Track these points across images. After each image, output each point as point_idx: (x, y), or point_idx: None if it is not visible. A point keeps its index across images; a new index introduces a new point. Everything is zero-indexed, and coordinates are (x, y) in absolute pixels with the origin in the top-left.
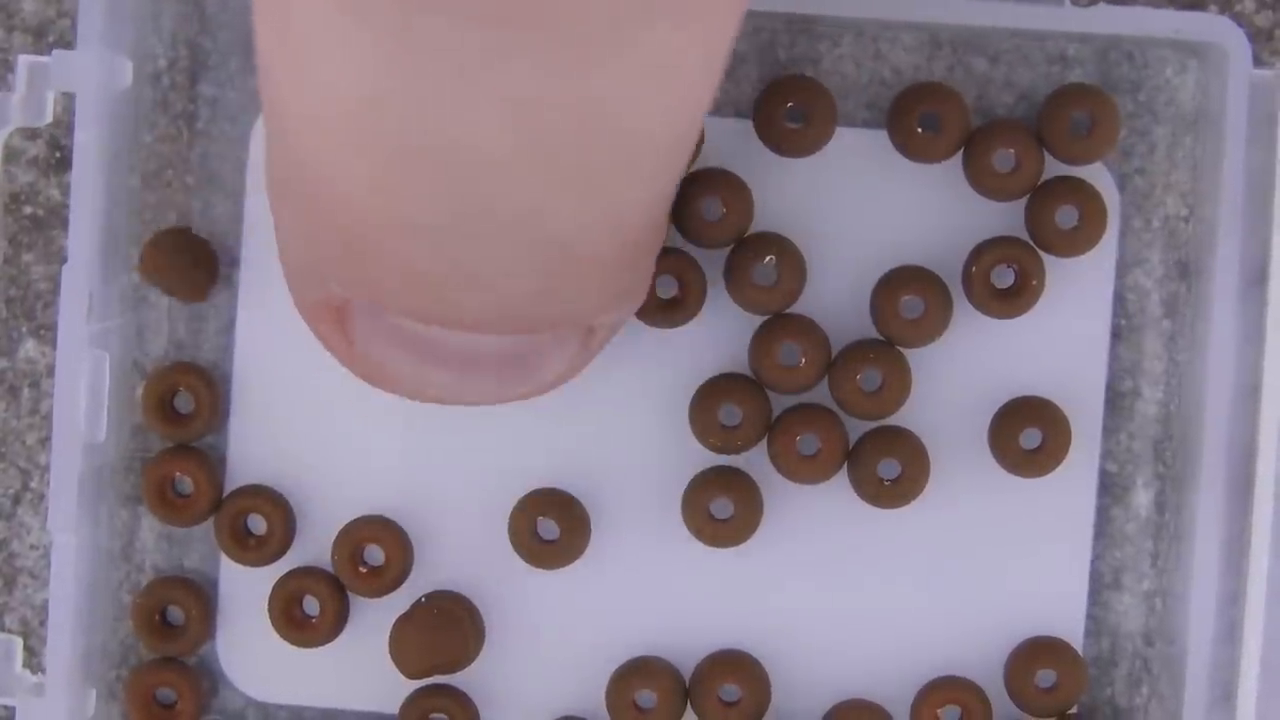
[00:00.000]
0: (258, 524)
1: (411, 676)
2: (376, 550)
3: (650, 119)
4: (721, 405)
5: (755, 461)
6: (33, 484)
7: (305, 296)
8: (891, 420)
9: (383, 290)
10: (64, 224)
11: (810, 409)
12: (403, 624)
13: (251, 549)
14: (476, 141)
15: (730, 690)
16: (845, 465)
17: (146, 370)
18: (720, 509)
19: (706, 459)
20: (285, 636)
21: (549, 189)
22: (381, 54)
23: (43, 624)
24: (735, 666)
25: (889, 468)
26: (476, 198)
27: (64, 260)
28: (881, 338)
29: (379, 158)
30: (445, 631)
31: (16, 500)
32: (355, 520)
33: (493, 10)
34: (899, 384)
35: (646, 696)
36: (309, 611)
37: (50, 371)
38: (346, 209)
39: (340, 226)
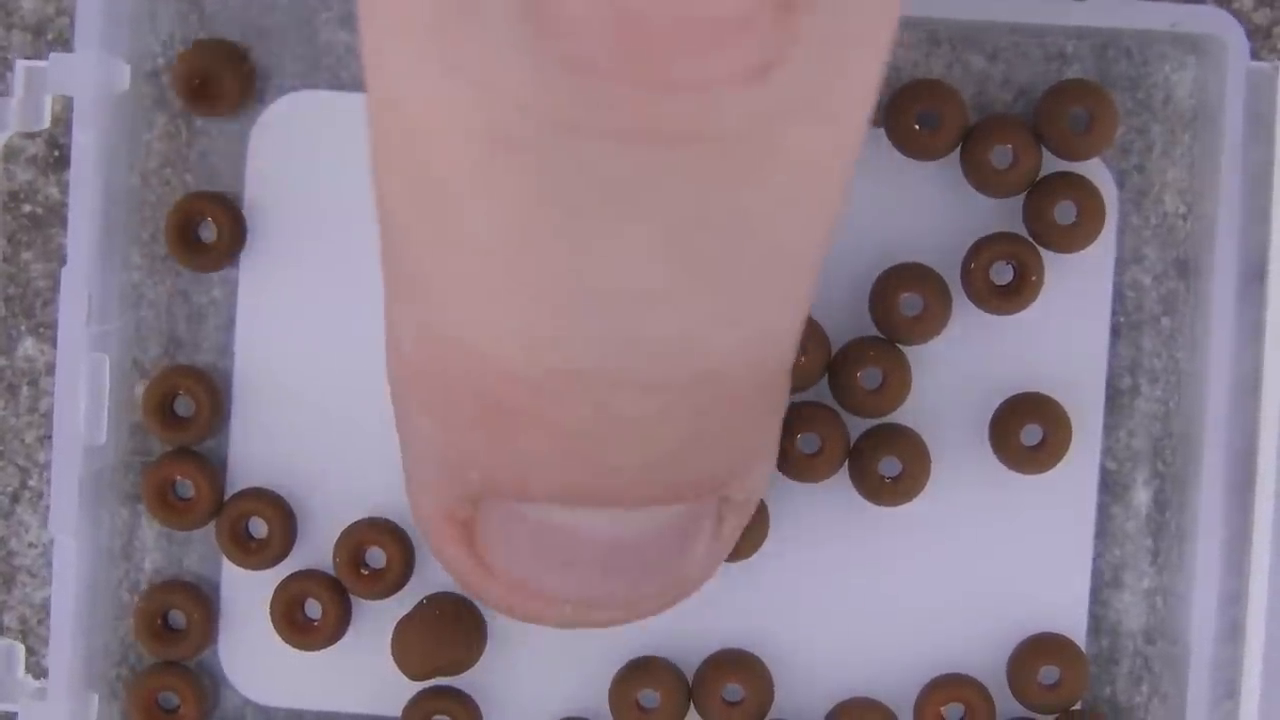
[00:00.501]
0: (259, 527)
1: (414, 678)
2: (378, 552)
3: (802, 228)
4: None
5: None
6: (31, 482)
7: (433, 514)
8: (891, 418)
9: (529, 465)
10: (63, 222)
11: (811, 407)
12: (405, 626)
13: (253, 552)
14: (631, 272)
15: (733, 690)
16: (846, 464)
17: (146, 368)
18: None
19: None
20: (287, 639)
21: (703, 315)
22: (529, 190)
23: (41, 623)
24: (738, 666)
25: (890, 465)
26: (631, 332)
27: (63, 259)
28: (881, 335)
29: (528, 307)
30: (448, 633)
31: (15, 498)
32: (356, 522)
33: (647, 126)
34: (899, 382)
35: (649, 696)
36: (311, 614)
37: (49, 370)
38: (491, 373)
39: (485, 398)
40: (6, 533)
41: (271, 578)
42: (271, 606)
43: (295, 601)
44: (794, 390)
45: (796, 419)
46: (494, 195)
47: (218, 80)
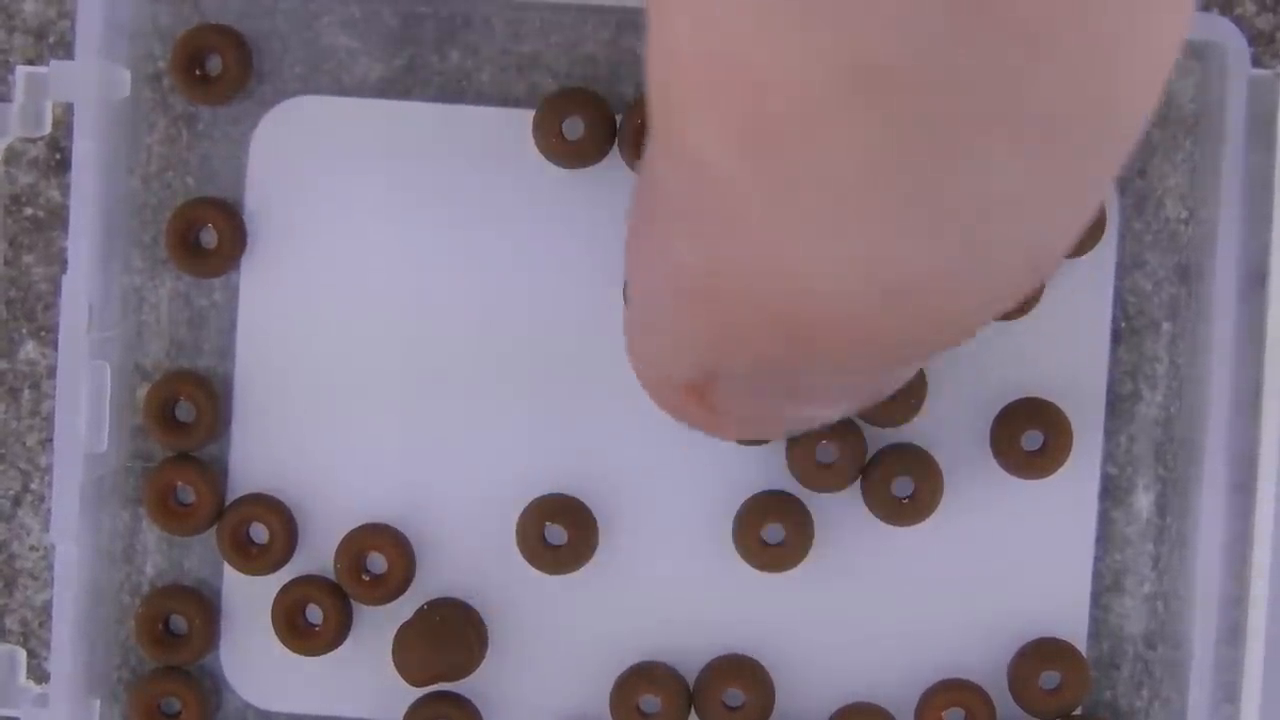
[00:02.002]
0: (260, 533)
1: (415, 684)
2: (379, 558)
3: (1131, 111)
4: None
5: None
6: (33, 485)
7: (666, 383)
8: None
9: (808, 361)
10: (64, 225)
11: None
12: (406, 632)
13: (254, 558)
14: (994, 182)
15: (734, 695)
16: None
17: (147, 371)
18: (772, 534)
19: (711, 463)
20: (288, 645)
21: (1052, 211)
22: (894, 114)
23: (43, 625)
24: (739, 671)
25: (903, 485)
26: (980, 243)
27: (64, 263)
28: None
29: (871, 234)
30: (448, 639)
31: (17, 502)
32: (357, 528)
33: (1024, 27)
34: (915, 390)
35: (650, 701)
36: (312, 620)
37: (50, 373)
38: (806, 299)
39: (784, 317)
40: (8, 536)
41: (273, 583)
42: (273, 612)
43: (296, 607)
44: None
45: (815, 430)
46: (849, 132)
47: (216, 65)
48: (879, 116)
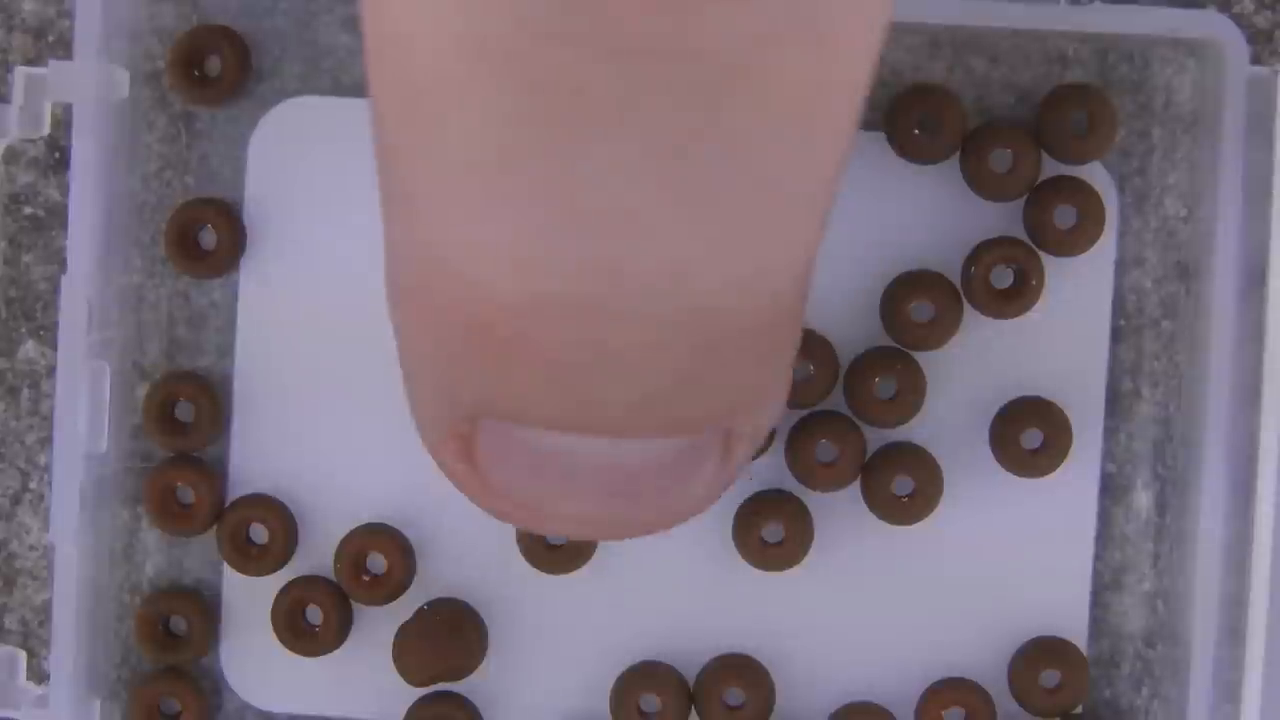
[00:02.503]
0: (259, 533)
1: (416, 685)
2: (379, 558)
3: (799, 157)
4: None
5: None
6: (32, 485)
7: (433, 428)
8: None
9: (521, 393)
10: (64, 225)
11: (829, 416)
12: (406, 632)
13: (254, 558)
14: (616, 194)
15: (735, 694)
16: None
17: (146, 371)
18: (772, 534)
19: None
20: (288, 646)
21: (692, 243)
22: (510, 102)
23: (42, 625)
24: (739, 671)
25: (903, 484)
26: (618, 259)
27: (63, 262)
28: (891, 343)
29: (512, 226)
30: (449, 639)
31: (16, 501)
32: (357, 528)
33: (627, 41)
34: (914, 389)
35: (650, 701)
36: (312, 620)
37: (50, 372)
38: (484, 297)
39: (476, 322)
40: (7, 535)
41: (272, 584)
42: (273, 612)
43: (296, 607)
44: (805, 405)
45: (815, 428)
46: (477, 106)
47: (214, 65)
48: (503, 94)
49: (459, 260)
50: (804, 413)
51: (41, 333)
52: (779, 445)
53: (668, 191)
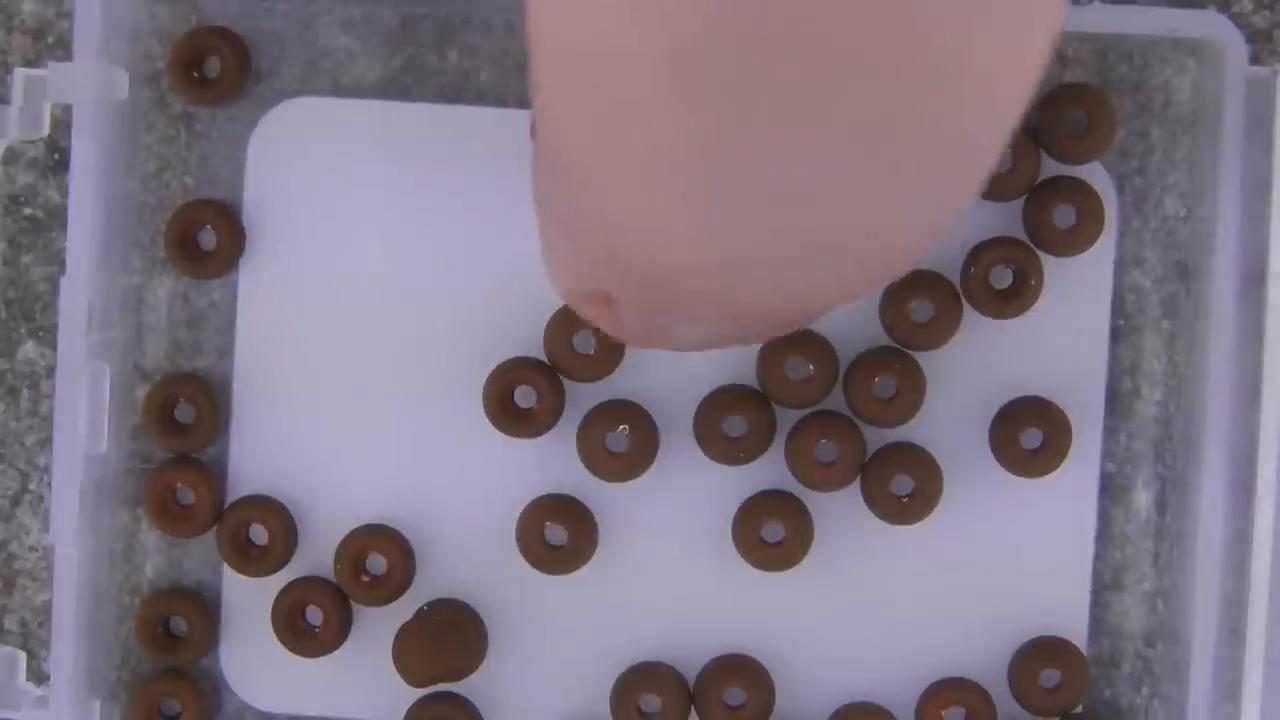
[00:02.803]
0: (259, 534)
1: (415, 685)
2: (378, 559)
3: (984, 126)
4: (725, 418)
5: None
6: (32, 485)
7: (574, 292)
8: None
9: (680, 315)
10: (63, 226)
11: (828, 416)
12: (406, 633)
13: (254, 559)
14: (818, 177)
15: (735, 694)
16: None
17: (146, 371)
18: (772, 533)
19: (710, 463)
20: (288, 646)
21: (889, 211)
22: (716, 104)
23: (42, 625)
24: (739, 671)
25: (903, 484)
26: (815, 230)
27: (63, 263)
28: (890, 343)
29: (710, 208)
30: (448, 639)
31: (15, 502)
32: (357, 529)
33: (829, 40)
34: (914, 389)
35: (650, 701)
36: (312, 621)
37: (49, 373)
38: (659, 260)
39: (644, 272)
40: (7, 536)
41: (272, 584)
42: (273, 613)
43: (296, 608)
44: (805, 405)
45: (814, 428)
46: (679, 113)
47: (214, 67)
48: (698, 101)
49: (642, 234)
50: (804, 413)
51: (41, 333)
52: (779, 445)
53: (864, 167)
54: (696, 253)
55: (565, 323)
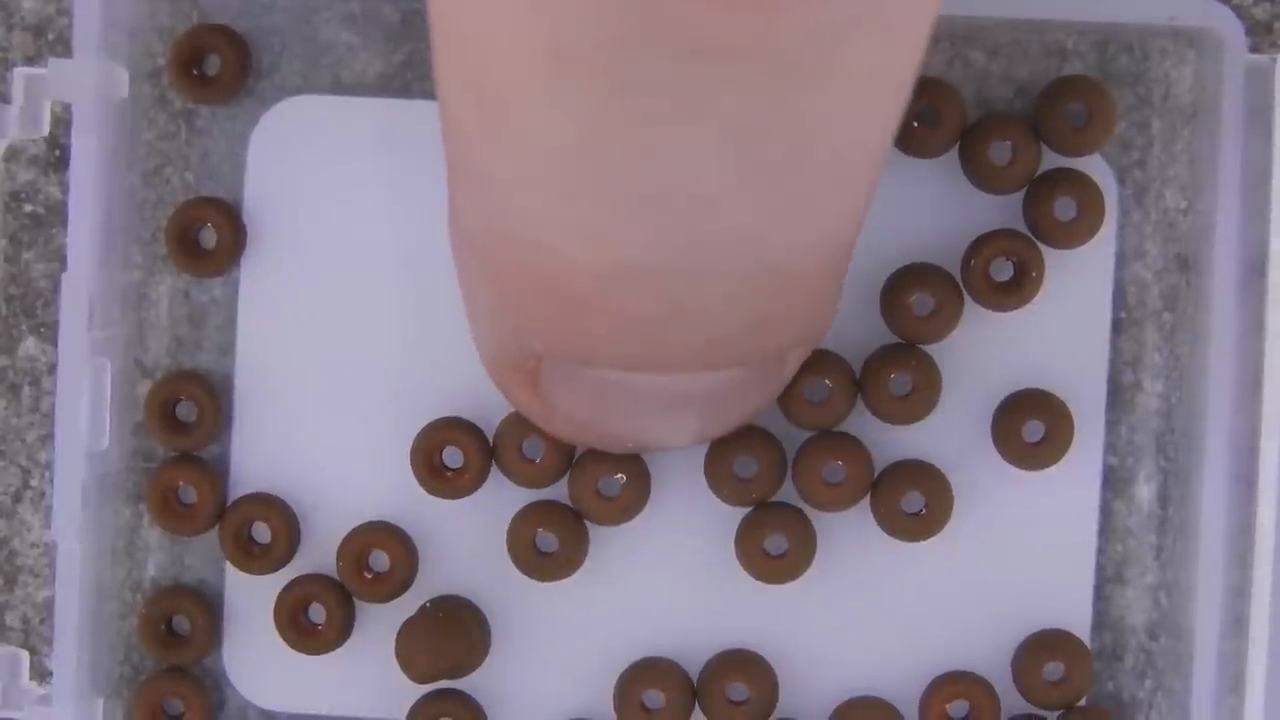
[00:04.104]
0: (262, 532)
1: (419, 681)
2: (381, 556)
3: (859, 133)
4: (737, 458)
5: None
6: (33, 482)
7: (498, 362)
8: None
9: (591, 342)
10: (64, 222)
11: (836, 437)
12: (409, 629)
13: (256, 557)
14: (692, 178)
15: (738, 689)
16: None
17: (147, 367)
18: (775, 545)
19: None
20: (291, 644)
21: (766, 215)
22: (592, 101)
23: (43, 622)
24: (742, 666)
25: (913, 501)
26: (694, 233)
27: (64, 259)
28: (893, 336)
29: (593, 206)
30: (452, 635)
31: (17, 498)
32: (359, 526)
33: (708, 42)
34: (929, 385)
35: (654, 697)
36: (314, 619)
37: (51, 369)
38: (556, 263)
39: (548, 282)
40: (9, 533)
41: (275, 582)
42: (275, 611)
43: (299, 606)
44: (824, 425)
45: (822, 449)
46: (557, 108)
47: (214, 65)
48: (586, 94)
49: (537, 234)
50: (811, 434)
51: (42, 330)
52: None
53: (741, 172)
54: (587, 254)
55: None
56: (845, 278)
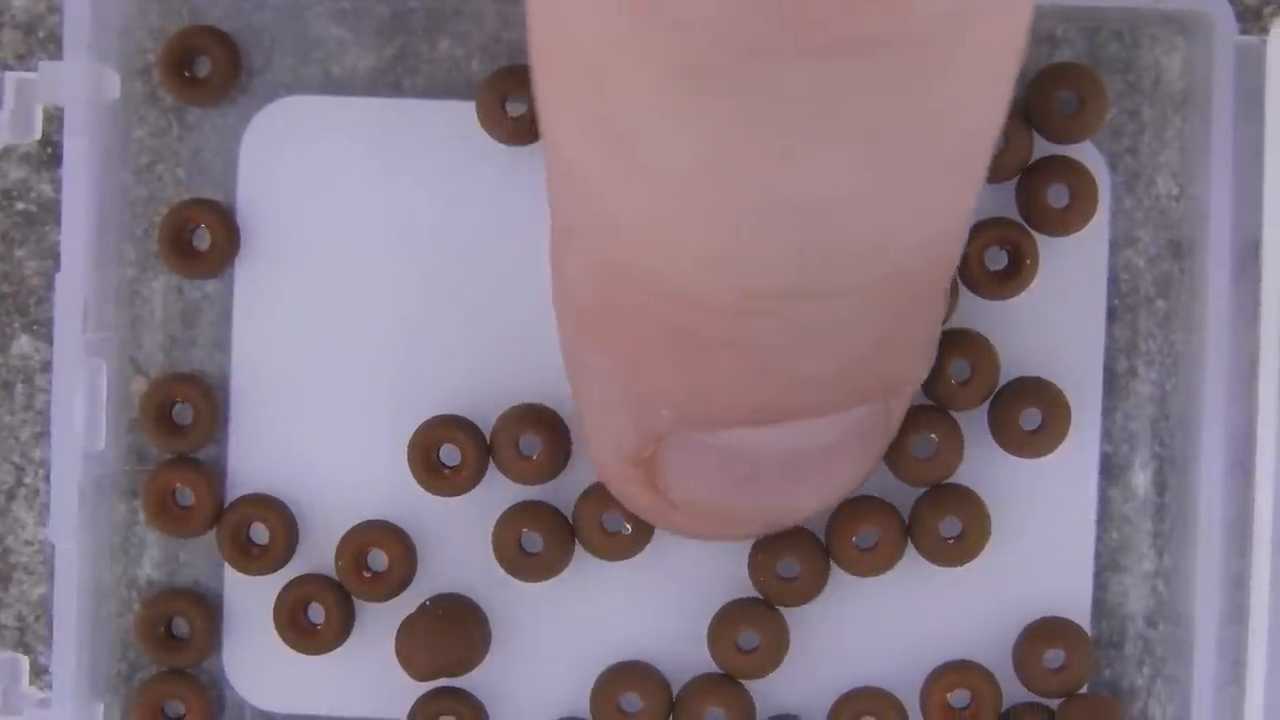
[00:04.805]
0: (260, 533)
1: (420, 679)
2: (380, 555)
3: (982, 119)
4: (781, 560)
5: None
6: (27, 480)
7: (614, 459)
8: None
9: (721, 395)
10: (57, 220)
11: (866, 501)
12: (409, 627)
13: (255, 558)
14: (828, 184)
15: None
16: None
17: (142, 366)
18: (747, 640)
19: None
20: (291, 644)
21: (897, 215)
22: (724, 116)
23: (38, 619)
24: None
25: (950, 526)
26: (828, 243)
27: (56, 257)
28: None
29: (726, 233)
30: (452, 633)
31: (11, 496)
32: (357, 525)
33: (840, 39)
34: (953, 449)
35: (631, 701)
36: (314, 619)
37: (44, 367)
38: (685, 307)
39: (676, 333)
40: (3, 530)
41: (274, 583)
42: (275, 611)
43: (298, 606)
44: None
45: (853, 514)
46: (689, 127)
47: (204, 66)
48: (710, 110)
49: (662, 269)
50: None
51: (35, 328)
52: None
53: (872, 172)
54: (717, 288)
55: None
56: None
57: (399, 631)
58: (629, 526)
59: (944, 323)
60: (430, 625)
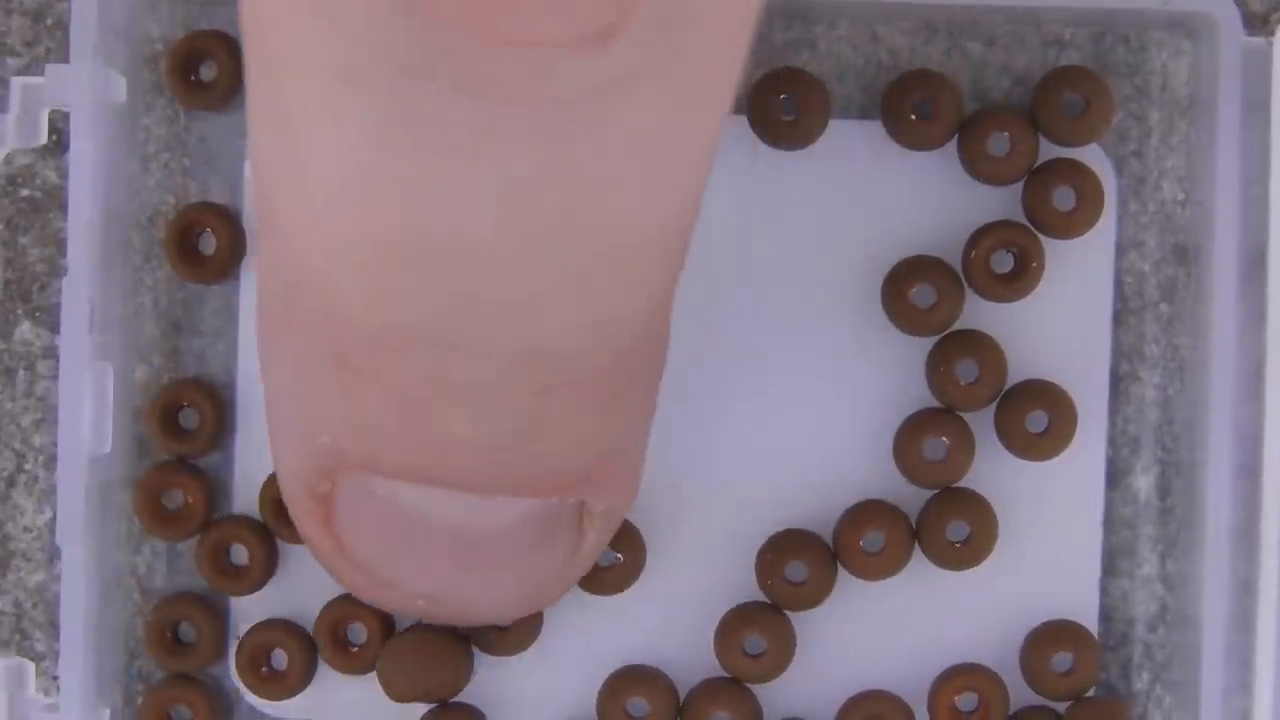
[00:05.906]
0: (240, 554)
1: (400, 700)
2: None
3: (636, 202)
4: (790, 562)
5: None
6: (27, 466)
7: (294, 482)
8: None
9: (374, 430)
10: (61, 207)
11: (874, 505)
12: (393, 649)
13: (232, 578)
14: (465, 224)
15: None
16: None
17: (148, 369)
18: (754, 644)
19: (709, 466)
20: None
21: (537, 281)
22: (375, 125)
23: (35, 605)
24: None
25: (958, 529)
26: (464, 290)
27: (60, 244)
28: (895, 329)
29: (370, 250)
30: (436, 656)
31: (11, 482)
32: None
33: (484, 79)
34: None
35: (637, 705)
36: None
37: (46, 354)
38: (336, 325)
39: (335, 352)
40: (3, 517)
41: (280, 592)
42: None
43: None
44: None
45: (860, 518)
46: (337, 131)
47: (210, 70)
48: (366, 120)
49: (320, 283)
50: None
51: (38, 314)
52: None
53: (515, 227)
54: (361, 311)
55: None
56: (648, 424)
57: (382, 654)
58: (620, 555)
59: (949, 326)
60: (414, 648)
